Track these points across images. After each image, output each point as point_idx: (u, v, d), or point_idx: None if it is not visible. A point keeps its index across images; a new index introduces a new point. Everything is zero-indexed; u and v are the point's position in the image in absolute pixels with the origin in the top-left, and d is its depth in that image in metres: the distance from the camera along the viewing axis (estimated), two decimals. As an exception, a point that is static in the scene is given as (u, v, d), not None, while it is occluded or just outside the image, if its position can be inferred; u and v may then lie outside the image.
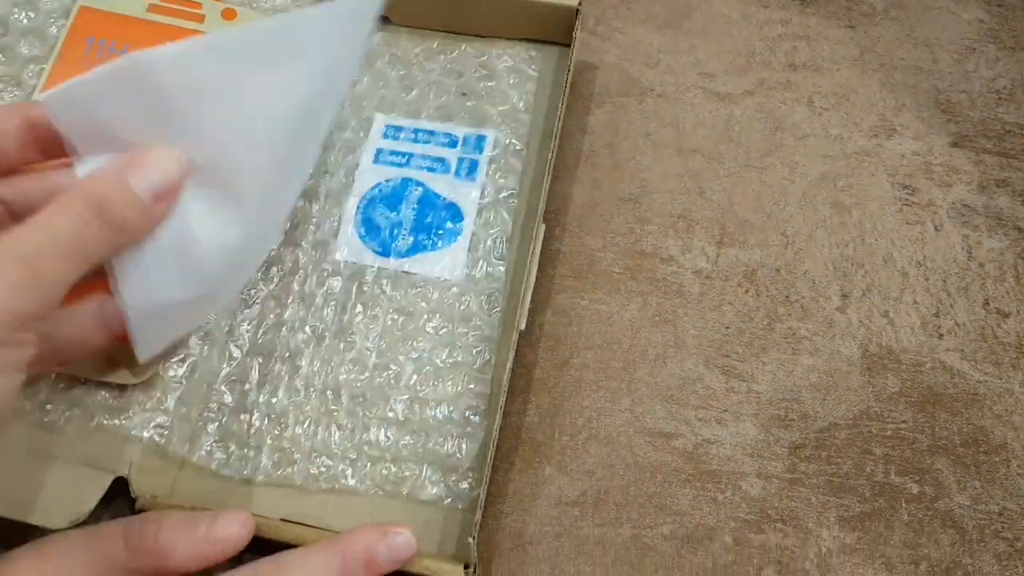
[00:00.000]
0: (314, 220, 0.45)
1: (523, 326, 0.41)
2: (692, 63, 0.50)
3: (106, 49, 0.48)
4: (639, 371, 0.43)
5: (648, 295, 0.44)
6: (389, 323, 0.43)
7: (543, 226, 0.43)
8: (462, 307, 0.44)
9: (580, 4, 0.46)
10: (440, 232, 0.45)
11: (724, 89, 0.50)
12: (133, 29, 0.48)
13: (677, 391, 0.42)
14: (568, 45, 0.48)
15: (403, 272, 0.44)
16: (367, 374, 0.42)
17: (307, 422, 0.41)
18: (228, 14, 0.50)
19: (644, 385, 0.43)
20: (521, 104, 0.48)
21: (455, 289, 0.44)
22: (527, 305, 0.42)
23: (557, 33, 0.48)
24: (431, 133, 0.47)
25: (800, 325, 0.44)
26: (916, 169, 0.48)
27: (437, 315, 0.43)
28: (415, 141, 0.47)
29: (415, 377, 0.42)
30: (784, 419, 0.41)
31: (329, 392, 0.42)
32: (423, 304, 0.44)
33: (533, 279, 0.42)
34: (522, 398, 0.42)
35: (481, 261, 0.44)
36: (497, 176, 0.46)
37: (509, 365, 0.40)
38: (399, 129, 0.47)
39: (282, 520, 0.37)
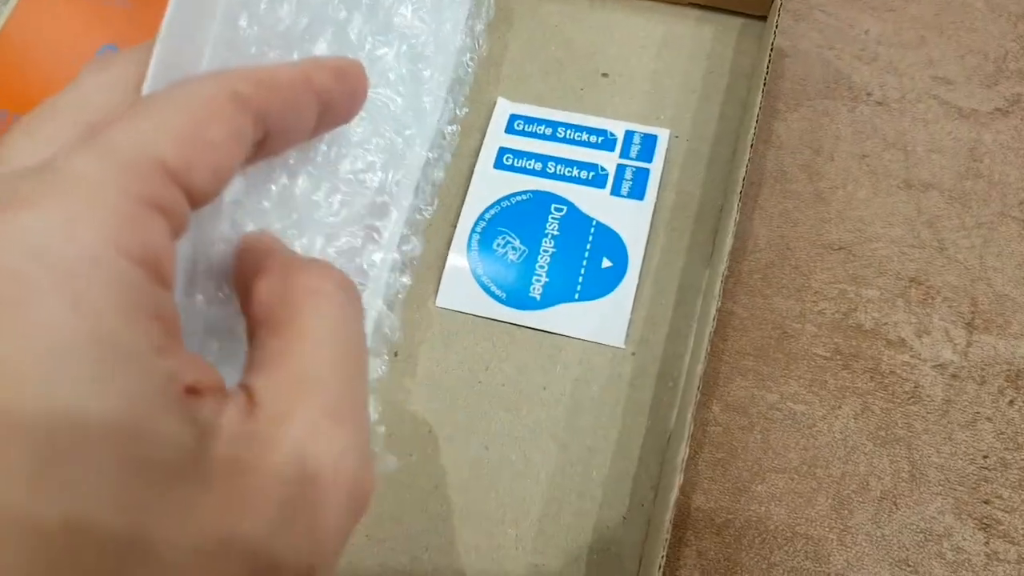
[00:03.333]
0: (405, 249, 0.30)
1: (673, 426, 0.27)
2: (923, 62, 0.36)
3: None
4: (857, 515, 0.28)
5: (868, 396, 0.30)
6: (506, 413, 0.29)
7: (719, 283, 0.28)
8: (618, 389, 0.29)
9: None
10: (594, 273, 0.30)
11: (968, 104, 0.35)
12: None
13: (914, 551, 0.28)
14: (761, 17, 0.34)
15: (535, 330, 0.29)
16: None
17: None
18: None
19: (865, 537, 0.28)
20: (690, 94, 0.33)
21: (608, 360, 0.29)
22: (692, 398, 0.27)
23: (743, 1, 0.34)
24: (577, 128, 0.32)
25: (1099, 465, 0.29)
26: None
27: (579, 397, 0.29)
28: (553, 139, 0.32)
29: (541, 501, 0.28)
30: (1091, 619, 0.27)
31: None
32: (563, 383, 0.29)
33: (703, 358, 0.28)
34: (674, 541, 0.28)
35: (650, 320, 0.30)
36: (664, 194, 0.32)
37: (673, 498, 0.25)
38: (530, 121, 0.32)
39: None
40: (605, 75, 0.34)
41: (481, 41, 0.31)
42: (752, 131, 0.30)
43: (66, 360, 0.12)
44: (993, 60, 0.36)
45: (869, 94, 0.35)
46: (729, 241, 0.28)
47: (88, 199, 0.13)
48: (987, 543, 0.28)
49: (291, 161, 0.21)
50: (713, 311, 0.28)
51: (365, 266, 0.26)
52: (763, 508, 0.28)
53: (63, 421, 0.12)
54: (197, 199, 0.15)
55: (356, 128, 0.26)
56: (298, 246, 0.21)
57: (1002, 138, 0.34)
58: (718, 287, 0.28)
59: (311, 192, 0.23)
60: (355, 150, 0.26)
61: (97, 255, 0.13)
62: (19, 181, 0.13)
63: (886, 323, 0.31)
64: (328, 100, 0.17)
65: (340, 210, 0.24)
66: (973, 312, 0.31)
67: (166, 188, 0.14)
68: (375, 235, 0.27)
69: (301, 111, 0.17)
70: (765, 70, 0.31)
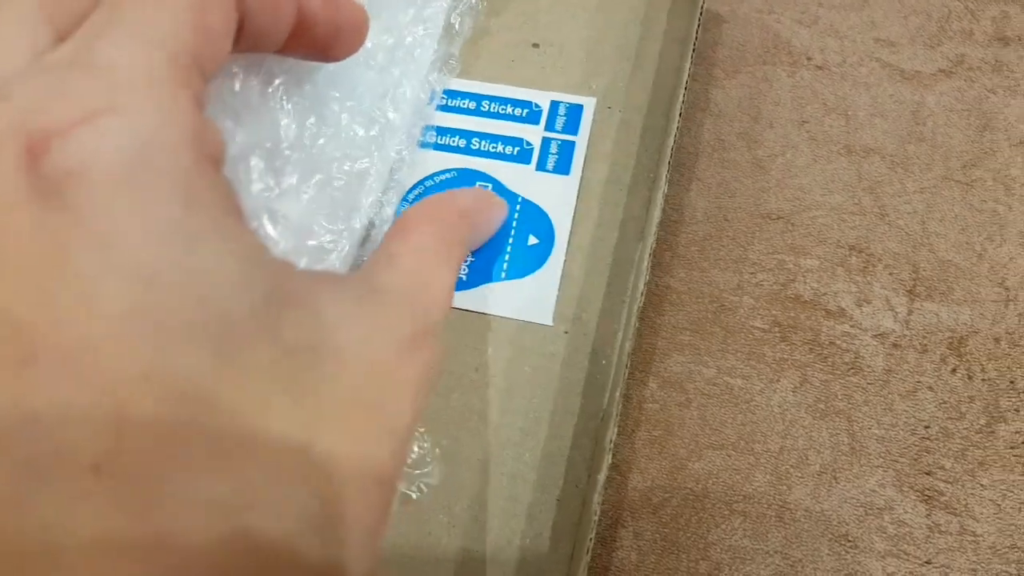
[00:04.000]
0: (328, 231, 0.28)
1: (608, 405, 0.26)
2: (865, 24, 0.35)
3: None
4: (796, 490, 0.27)
5: (807, 368, 0.29)
6: (436, 398, 0.28)
7: (648, 257, 0.28)
8: (550, 368, 0.28)
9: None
10: (521, 251, 0.29)
11: (910, 65, 0.34)
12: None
13: (854, 526, 0.27)
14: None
15: (463, 311, 0.28)
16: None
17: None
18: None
19: (804, 513, 0.27)
20: (623, 63, 0.32)
21: (540, 339, 0.28)
22: (621, 377, 0.26)
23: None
24: (502, 101, 0.31)
25: (1042, 431, 0.28)
26: None
27: (511, 378, 0.28)
28: (478, 113, 0.31)
29: (473, 486, 0.27)
30: (1032, 589, 0.26)
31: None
32: (495, 364, 0.28)
33: (631, 335, 0.27)
34: (610, 522, 0.27)
35: (583, 297, 0.29)
36: (596, 167, 0.30)
37: (601, 479, 0.25)
38: (454, 95, 0.31)
39: None
40: (536, 45, 0.33)
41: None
42: (681, 99, 0.29)
43: (210, 260, 0.13)
44: (936, 20, 0.35)
45: (809, 58, 0.34)
46: (658, 214, 0.27)
47: (156, 102, 0.13)
48: (929, 515, 0.27)
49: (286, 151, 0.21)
50: (641, 286, 0.27)
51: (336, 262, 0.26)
52: (700, 486, 0.27)
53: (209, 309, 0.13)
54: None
55: (358, 131, 0.26)
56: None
57: (945, 100, 0.34)
58: (646, 261, 0.27)
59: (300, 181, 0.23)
60: (346, 147, 0.25)
61: (190, 158, 0.13)
62: (68, 79, 0.13)
63: (825, 293, 0.30)
64: (309, 18, 0.17)
65: (317, 195, 0.24)
66: (915, 279, 0.30)
67: (201, 81, 0.14)
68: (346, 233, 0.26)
69: (279, 13, 0.17)
70: (694, 35, 0.30)
